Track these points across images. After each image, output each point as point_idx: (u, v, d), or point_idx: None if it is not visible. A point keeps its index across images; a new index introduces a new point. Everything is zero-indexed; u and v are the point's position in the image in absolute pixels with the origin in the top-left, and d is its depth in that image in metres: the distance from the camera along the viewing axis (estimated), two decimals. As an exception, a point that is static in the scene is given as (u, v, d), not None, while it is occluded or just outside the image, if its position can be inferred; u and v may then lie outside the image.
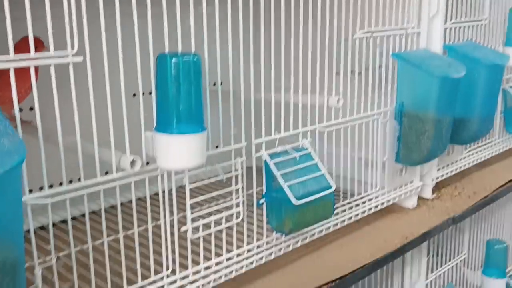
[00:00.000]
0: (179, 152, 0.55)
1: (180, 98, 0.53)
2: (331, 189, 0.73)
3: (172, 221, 0.64)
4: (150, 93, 0.57)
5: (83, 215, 0.63)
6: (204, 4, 0.60)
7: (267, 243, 0.74)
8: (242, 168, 0.68)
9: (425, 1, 0.89)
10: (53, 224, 0.57)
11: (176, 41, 0.58)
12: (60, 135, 0.53)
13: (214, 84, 0.64)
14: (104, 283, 0.62)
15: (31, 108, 0.79)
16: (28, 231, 0.50)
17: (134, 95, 0.66)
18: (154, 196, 0.62)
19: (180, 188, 0.63)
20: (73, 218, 0.65)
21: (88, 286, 0.62)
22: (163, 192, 0.61)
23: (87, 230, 0.58)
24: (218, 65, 0.63)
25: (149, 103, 0.57)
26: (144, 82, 0.58)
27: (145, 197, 0.60)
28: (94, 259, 0.60)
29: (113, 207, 0.65)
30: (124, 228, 0.64)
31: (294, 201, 0.68)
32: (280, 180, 0.69)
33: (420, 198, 0.99)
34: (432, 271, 1.08)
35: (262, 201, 0.72)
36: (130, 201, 0.60)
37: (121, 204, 0.60)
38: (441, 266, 1.10)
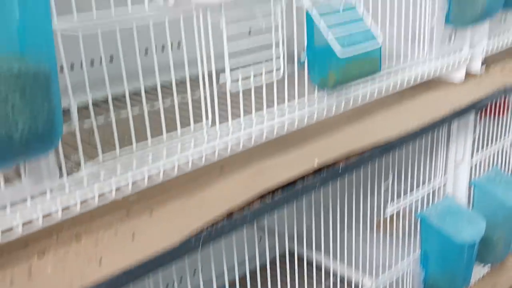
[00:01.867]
0: None
1: None
2: (378, 42, 0.67)
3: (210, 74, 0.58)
4: None
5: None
6: None
7: (310, 102, 0.69)
8: (282, 17, 0.61)
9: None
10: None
11: None
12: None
13: None
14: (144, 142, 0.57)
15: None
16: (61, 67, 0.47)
17: None
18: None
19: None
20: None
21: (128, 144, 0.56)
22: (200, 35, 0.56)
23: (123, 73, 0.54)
24: None
25: None
26: None
27: (183, 79, 0.57)
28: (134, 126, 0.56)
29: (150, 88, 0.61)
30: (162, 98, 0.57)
31: (339, 52, 0.63)
32: (324, 31, 0.63)
33: (468, 73, 0.91)
34: (477, 152, 1.00)
35: (303, 56, 0.67)
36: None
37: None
38: (487, 148, 1.03)
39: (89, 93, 0.52)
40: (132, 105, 0.56)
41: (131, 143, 0.55)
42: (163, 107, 0.57)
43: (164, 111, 0.58)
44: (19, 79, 0.39)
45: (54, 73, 0.42)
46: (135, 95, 0.63)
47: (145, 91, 0.56)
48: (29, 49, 0.40)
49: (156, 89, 0.57)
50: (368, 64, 0.68)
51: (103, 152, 0.53)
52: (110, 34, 0.51)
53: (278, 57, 0.63)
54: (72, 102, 0.49)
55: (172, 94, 0.57)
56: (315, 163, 0.65)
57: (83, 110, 0.57)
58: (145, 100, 0.56)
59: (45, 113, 0.41)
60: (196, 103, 0.60)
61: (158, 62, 0.56)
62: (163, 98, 0.57)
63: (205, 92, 0.59)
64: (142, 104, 0.56)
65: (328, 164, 0.66)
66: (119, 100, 0.71)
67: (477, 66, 0.92)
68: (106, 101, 0.72)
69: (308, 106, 0.69)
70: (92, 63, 0.80)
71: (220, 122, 0.61)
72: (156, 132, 0.59)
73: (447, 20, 0.81)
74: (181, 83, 0.59)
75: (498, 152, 1.05)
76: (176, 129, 0.58)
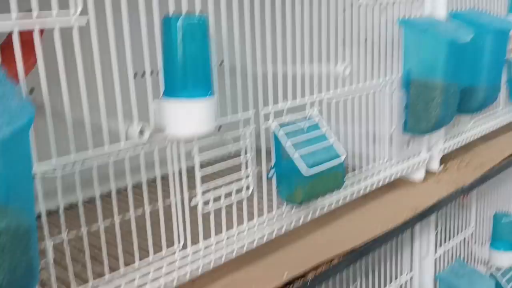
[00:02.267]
0: (187, 118, 0.54)
1: (187, 62, 0.53)
2: (341, 158, 0.72)
3: (182, 195, 0.61)
4: (153, 72, 0.56)
5: (93, 198, 0.58)
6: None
7: (278, 216, 0.72)
8: (250, 138, 0.66)
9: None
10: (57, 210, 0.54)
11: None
12: (67, 103, 0.51)
13: (221, 64, 0.62)
14: (116, 261, 0.58)
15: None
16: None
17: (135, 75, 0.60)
18: (163, 176, 0.60)
19: (189, 163, 0.61)
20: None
21: (99, 265, 0.58)
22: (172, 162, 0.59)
23: (98, 208, 0.56)
24: (224, 39, 0.62)
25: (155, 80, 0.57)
26: (151, 50, 0.56)
27: (153, 178, 0.59)
28: (105, 239, 0.57)
29: (123, 189, 0.61)
30: (134, 206, 0.59)
31: (305, 171, 0.67)
32: (290, 150, 0.67)
33: (427, 171, 0.97)
34: (440, 246, 1.03)
35: (271, 173, 0.71)
36: (139, 184, 0.59)
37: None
38: (449, 240, 1.07)
39: (62, 209, 0.53)
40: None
41: (103, 268, 0.56)
42: (135, 215, 0.59)
43: (136, 218, 0.59)
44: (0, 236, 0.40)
45: (34, 225, 0.43)
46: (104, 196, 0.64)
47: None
48: (10, 203, 0.41)
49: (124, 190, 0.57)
50: (333, 179, 0.73)
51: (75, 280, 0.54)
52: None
53: (247, 177, 0.67)
54: (48, 244, 0.51)
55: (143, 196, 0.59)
56: (285, 276, 0.67)
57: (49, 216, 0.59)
58: (116, 212, 0.57)
59: (24, 265, 0.42)
60: (168, 208, 0.62)
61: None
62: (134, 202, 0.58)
63: (176, 212, 0.61)
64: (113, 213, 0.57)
65: (298, 276, 0.68)
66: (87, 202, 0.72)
67: (435, 166, 0.99)
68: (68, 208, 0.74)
69: (276, 220, 0.72)
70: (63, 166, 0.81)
71: (192, 243, 0.63)
72: (128, 248, 0.59)
73: (405, 129, 0.87)
74: (151, 183, 0.61)
75: (460, 243, 1.10)
76: (147, 242, 0.59)
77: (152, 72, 0.57)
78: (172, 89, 0.54)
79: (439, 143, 0.98)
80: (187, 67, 0.53)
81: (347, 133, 0.81)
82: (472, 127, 1.09)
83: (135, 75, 0.57)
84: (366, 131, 0.84)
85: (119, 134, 0.55)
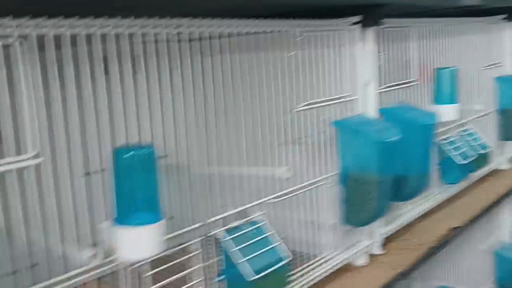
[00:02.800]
0: (138, 244, 0.59)
1: (136, 191, 0.57)
2: (285, 261, 0.77)
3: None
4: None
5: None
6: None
7: None
8: (199, 249, 0.71)
9: (359, 71, 0.97)
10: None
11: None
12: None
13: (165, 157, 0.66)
14: None
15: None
16: None
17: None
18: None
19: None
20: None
21: None
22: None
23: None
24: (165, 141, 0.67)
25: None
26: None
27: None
28: None
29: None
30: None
31: (248, 277, 0.72)
32: (235, 256, 0.72)
33: (370, 255, 1.02)
34: None
35: (220, 278, 0.75)
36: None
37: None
38: None
39: None
40: None
41: None
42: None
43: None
44: None
45: None
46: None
47: None
48: None
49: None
50: (278, 281, 0.77)
51: None
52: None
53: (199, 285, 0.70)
54: None
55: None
56: None
57: None
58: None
59: None
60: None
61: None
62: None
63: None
64: None
65: None
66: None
67: (377, 250, 1.05)
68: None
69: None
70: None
71: None
72: None
73: (345, 221, 0.94)
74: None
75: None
76: None
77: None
78: (123, 217, 0.59)
79: (379, 229, 1.04)
80: (137, 196, 0.58)
81: (293, 223, 0.86)
82: (410, 209, 1.17)
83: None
84: (309, 221, 0.90)
85: (70, 256, 0.58)
